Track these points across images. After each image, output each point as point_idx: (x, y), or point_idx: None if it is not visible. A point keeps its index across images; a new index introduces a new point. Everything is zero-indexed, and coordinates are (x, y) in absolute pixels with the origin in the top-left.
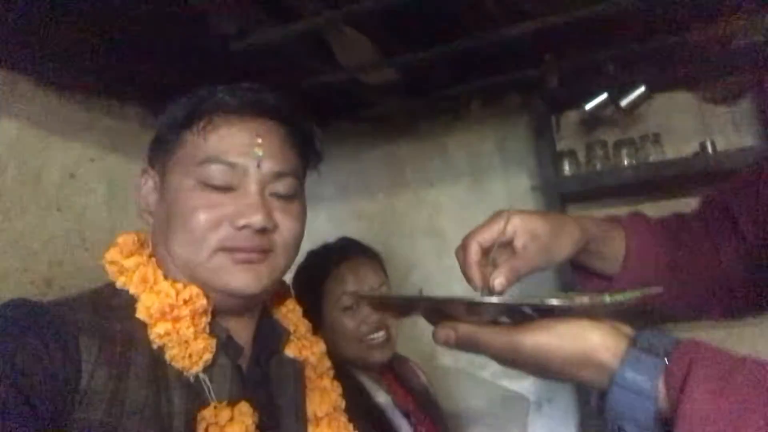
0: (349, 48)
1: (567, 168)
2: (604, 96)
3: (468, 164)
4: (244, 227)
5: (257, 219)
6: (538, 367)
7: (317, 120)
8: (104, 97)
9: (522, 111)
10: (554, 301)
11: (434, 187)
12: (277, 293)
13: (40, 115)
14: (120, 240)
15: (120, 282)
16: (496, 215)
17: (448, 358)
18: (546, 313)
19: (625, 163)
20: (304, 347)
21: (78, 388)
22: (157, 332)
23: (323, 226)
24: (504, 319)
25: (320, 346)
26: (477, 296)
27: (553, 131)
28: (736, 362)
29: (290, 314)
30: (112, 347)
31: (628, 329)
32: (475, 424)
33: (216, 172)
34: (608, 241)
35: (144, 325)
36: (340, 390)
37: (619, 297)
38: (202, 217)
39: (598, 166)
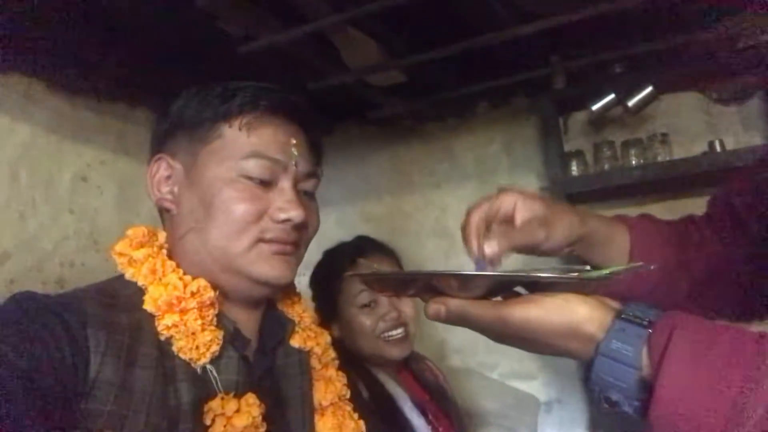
0: (356, 50)
1: (575, 168)
2: (611, 96)
3: (475, 166)
4: (284, 221)
5: (298, 214)
6: (527, 340)
7: (324, 122)
8: (115, 101)
9: (529, 112)
10: (542, 275)
11: (441, 188)
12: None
13: (52, 119)
14: (130, 232)
15: (129, 273)
16: (499, 191)
17: (458, 359)
18: (535, 289)
19: (633, 163)
20: (309, 338)
21: (86, 379)
22: (165, 324)
23: (332, 229)
24: (495, 296)
25: (325, 337)
26: (469, 270)
27: (561, 132)
28: (716, 331)
29: (295, 306)
30: (120, 338)
31: (614, 303)
32: (485, 424)
33: (259, 167)
34: (612, 237)
35: (152, 317)
36: (344, 380)
37: (606, 272)
38: (245, 209)
39: (606, 167)
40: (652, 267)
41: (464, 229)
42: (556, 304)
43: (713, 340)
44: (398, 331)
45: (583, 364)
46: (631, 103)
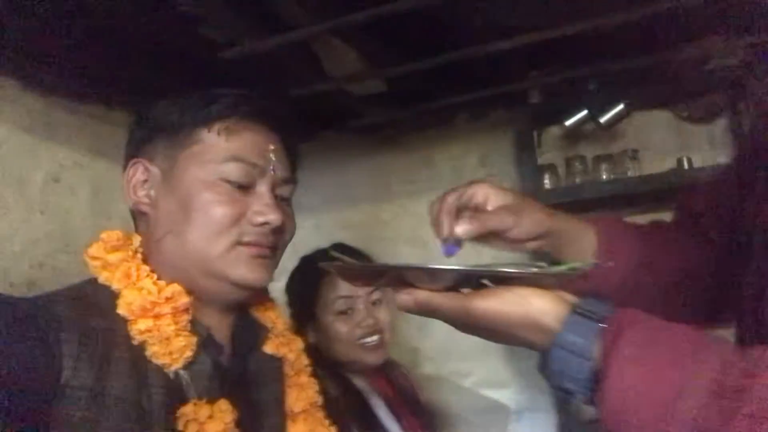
0: (337, 59)
1: (547, 181)
2: (584, 112)
3: (453, 176)
4: (263, 224)
5: (276, 218)
6: (488, 330)
7: (304, 129)
8: (91, 102)
9: (506, 125)
10: (504, 270)
11: (419, 198)
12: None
13: (26, 118)
14: (104, 236)
15: (103, 277)
16: (472, 182)
17: (431, 366)
18: (501, 283)
19: (604, 177)
20: (282, 344)
21: (59, 383)
22: (138, 328)
23: (309, 236)
24: (465, 289)
25: (298, 344)
26: (436, 264)
27: (535, 145)
28: (664, 327)
29: (269, 312)
30: (94, 342)
31: (572, 297)
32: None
33: (238, 170)
34: (579, 235)
35: (125, 321)
36: (317, 387)
37: (564, 267)
38: (224, 211)
39: (578, 180)
40: (610, 264)
41: (436, 210)
42: (516, 296)
43: (660, 336)
44: (374, 338)
45: (540, 356)
46: (603, 119)
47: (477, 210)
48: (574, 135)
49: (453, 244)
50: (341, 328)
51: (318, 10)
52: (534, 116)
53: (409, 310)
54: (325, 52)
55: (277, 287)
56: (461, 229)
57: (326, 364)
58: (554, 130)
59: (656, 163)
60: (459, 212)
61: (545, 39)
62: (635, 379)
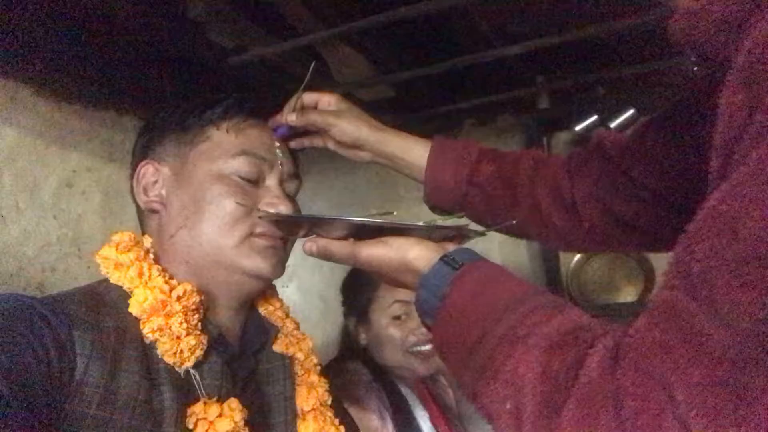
0: (345, 65)
1: None
2: (594, 118)
3: None
4: None
5: (286, 209)
6: (373, 272)
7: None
8: (103, 108)
9: (514, 130)
10: (397, 222)
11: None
12: (263, 291)
13: (38, 124)
14: (115, 237)
15: (114, 277)
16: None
17: None
18: (393, 233)
19: None
20: (291, 343)
21: (72, 382)
22: (150, 327)
23: None
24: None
25: (307, 343)
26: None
27: (544, 151)
28: (498, 280)
29: (277, 312)
30: (106, 342)
31: (452, 247)
32: None
33: (248, 164)
34: (408, 150)
35: (136, 320)
36: (326, 386)
37: (447, 222)
38: (235, 204)
39: None
40: (511, 222)
41: (286, 104)
42: (397, 243)
43: (489, 286)
44: (427, 347)
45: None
46: (612, 124)
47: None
48: (583, 140)
49: (281, 128)
50: (395, 333)
51: (326, 16)
52: (543, 122)
53: (312, 254)
54: (333, 58)
55: (286, 293)
56: (290, 117)
57: (375, 367)
58: (563, 136)
59: None
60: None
61: (554, 44)
62: (453, 322)
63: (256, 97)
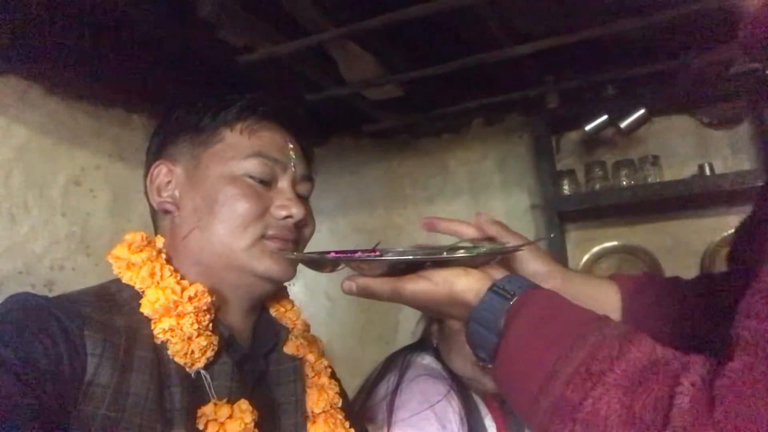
0: (354, 64)
1: (566, 187)
2: (604, 117)
3: (468, 181)
4: (285, 218)
5: (299, 211)
6: (419, 308)
7: (319, 134)
8: (112, 106)
9: (522, 130)
10: (436, 256)
11: (434, 203)
12: (274, 293)
13: (48, 122)
14: (127, 237)
15: (126, 277)
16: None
17: None
18: (438, 266)
19: (624, 183)
20: (302, 345)
21: (83, 382)
22: (161, 327)
23: (324, 239)
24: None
25: (318, 345)
26: (375, 253)
27: (553, 151)
28: (561, 310)
29: (288, 313)
30: (117, 341)
31: (499, 274)
32: None
33: (261, 166)
34: (597, 297)
35: (148, 321)
36: (337, 388)
37: (487, 248)
38: (248, 205)
39: (597, 186)
40: (534, 243)
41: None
42: (441, 277)
43: (552, 317)
44: None
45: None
46: (623, 124)
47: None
48: (593, 140)
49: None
50: (464, 342)
51: (335, 16)
52: (552, 121)
53: (351, 293)
54: (342, 57)
55: (294, 291)
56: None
57: (450, 370)
58: (573, 136)
59: (677, 169)
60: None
61: (563, 43)
62: (519, 358)
63: (267, 97)
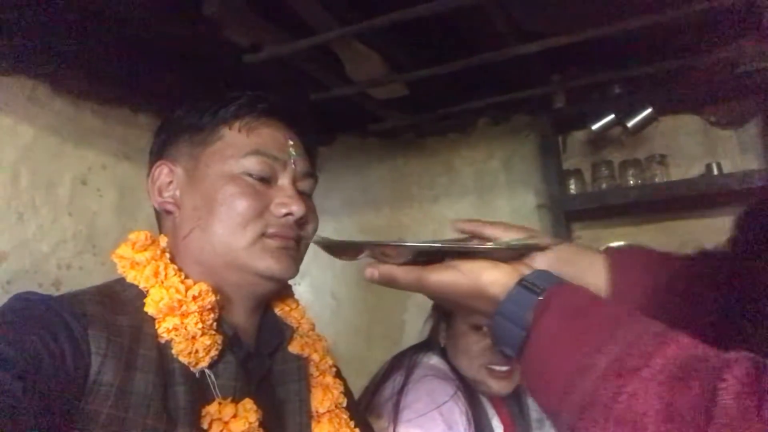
0: (360, 63)
1: (573, 187)
2: (611, 117)
3: (474, 181)
4: (285, 216)
5: (299, 208)
6: (442, 298)
7: (325, 133)
8: (118, 105)
9: (529, 129)
10: (463, 246)
11: (439, 203)
12: (279, 291)
13: (55, 121)
14: (132, 236)
15: (130, 276)
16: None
17: None
18: (461, 257)
19: (631, 183)
20: (306, 345)
21: (86, 380)
22: (165, 327)
23: None
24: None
25: (323, 344)
26: (400, 240)
27: (560, 150)
28: (592, 305)
29: (293, 312)
30: (121, 340)
31: (527, 269)
32: None
33: (260, 164)
34: (584, 270)
35: (152, 320)
36: (342, 388)
37: (516, 243)
38: (248, 204)
39: (604, 186)
40: (554, 244)
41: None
42: (467, 268)
43: (583, 312)
44: (504, 368)
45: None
46: (630, 123)
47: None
48: (599, 139)
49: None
50: (472, 344)
51: (341, 15)
52: (558, 120)
53: (373, 281)
54: (348, 56)
55: (299, 290)
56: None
57: (456, 370)
58: (579, 135)
59: (684, 168)
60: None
61: (570, 42)
62: (548, 352)
63: (268, 95)
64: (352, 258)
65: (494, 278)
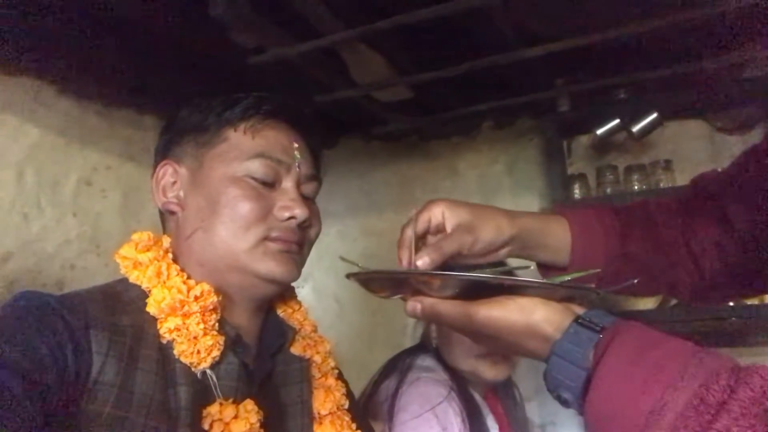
0: (364, 66)
1: (577, 191)
2: (616, 121)
3: (478, 185)
4: (288, 219)
5: (302, 212)
6: (490, 337)
7: (329, 136)
8: (123, 106)
9: (533, 134)
10: (514, 279)
11: None
12: (281, 293)
13: (60, 122)
14: (135, 237)
15: (133, 276)
16: (427, 203)
17: None
18: (509, 292)
19: (636, 188)
20: (308, 346)
21: (88, 380)
22: (167, 327)
23: (333, 242)
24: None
25: (325, 346)
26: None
27: (564, 154)
28: (657, 341)
29: (296, 314)
30: (122, 340)
31: (579, 309)
32: None
33: (264, 167)
34: (548, 233)
35: (154, 320)
36: (344, 389)
37: (567, 278)
38: (251, 206)
39: (609, 191)
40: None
41: (398, 243)
42: (518, 305)
43: (650, 349)
44: (497, 354)
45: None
46: (635, 128)
47: (438, 232)
48: (604, 144)
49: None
50: (465, 337)
51: (346, 17)
52: (563, 125)
53: (415, 316)
54: (353, 59)
55: (302, 293)
56: (421, 262)
57: (448, 368)
58: (584, 139)
59: (689, 174)
60: (422, 239)
61: (575, 46)
62: (619, 391)
63: (273, 96)
64: (390, 295)
65: (546, 316)
